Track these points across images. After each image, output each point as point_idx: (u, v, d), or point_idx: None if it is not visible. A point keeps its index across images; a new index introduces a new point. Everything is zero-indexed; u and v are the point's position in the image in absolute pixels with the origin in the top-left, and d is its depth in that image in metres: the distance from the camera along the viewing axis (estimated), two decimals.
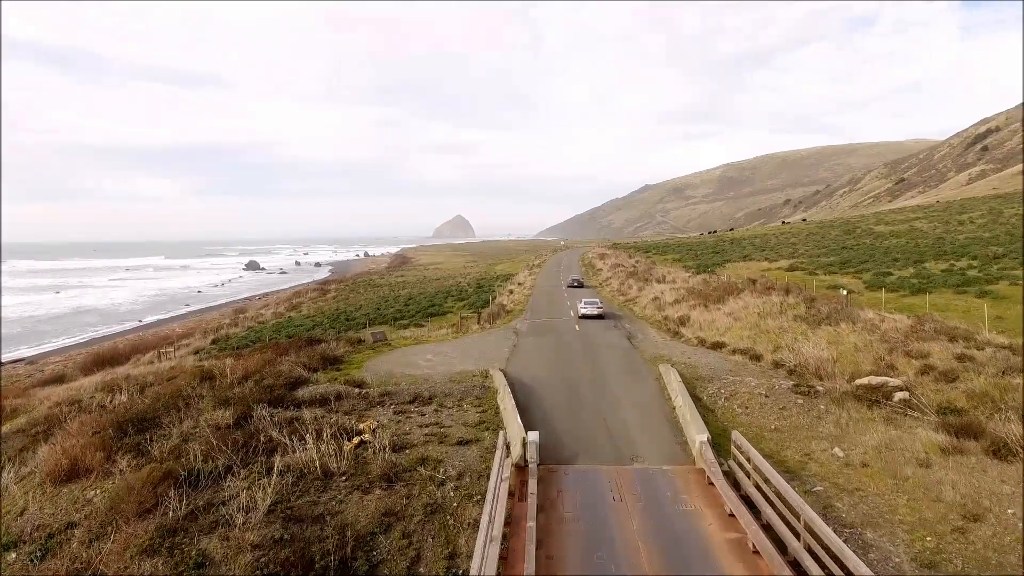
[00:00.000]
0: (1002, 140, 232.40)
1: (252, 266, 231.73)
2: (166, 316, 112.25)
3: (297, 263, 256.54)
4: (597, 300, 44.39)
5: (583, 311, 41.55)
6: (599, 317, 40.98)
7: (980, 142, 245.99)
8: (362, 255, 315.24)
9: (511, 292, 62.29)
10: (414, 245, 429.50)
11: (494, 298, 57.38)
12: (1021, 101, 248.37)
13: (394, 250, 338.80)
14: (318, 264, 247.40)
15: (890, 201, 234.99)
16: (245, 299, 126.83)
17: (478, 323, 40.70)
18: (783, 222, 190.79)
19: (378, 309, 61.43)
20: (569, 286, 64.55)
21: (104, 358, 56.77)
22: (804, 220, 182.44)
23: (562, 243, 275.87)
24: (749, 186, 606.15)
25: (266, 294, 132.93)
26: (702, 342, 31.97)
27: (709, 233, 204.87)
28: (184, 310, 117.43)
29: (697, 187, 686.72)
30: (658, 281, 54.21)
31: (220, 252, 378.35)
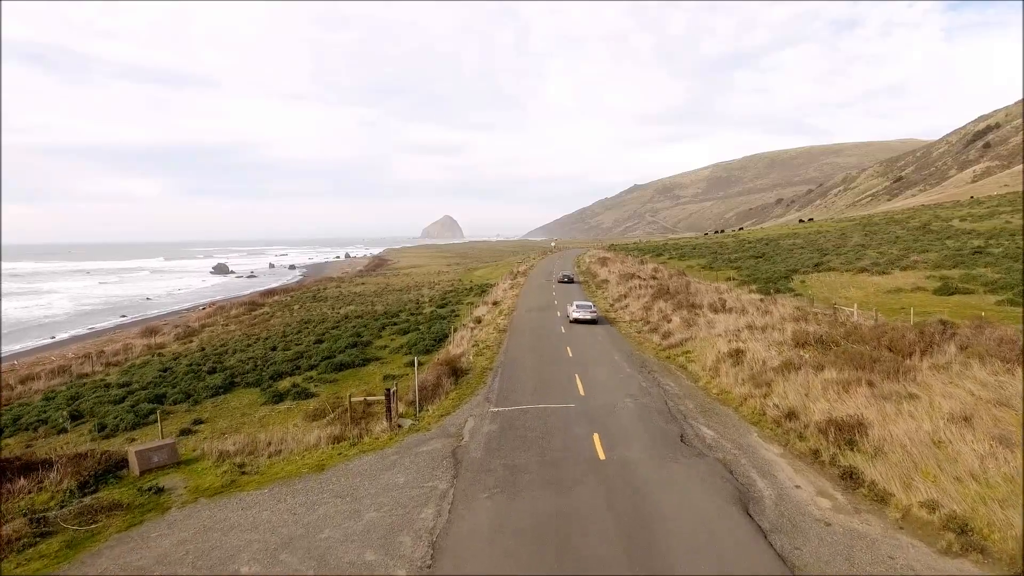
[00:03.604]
0: (1005, 137, 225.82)
1: (220, 270, 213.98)
2: (83, 331, 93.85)
3: (271, 265, 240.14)
4: (590, 303, 40.45)
5: (574, 315, 38.58)
6: (592, 322, 38.21)
7: (980, 139, 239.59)
8: (343, 257, 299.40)
9: (479, 322, 40.89)
10: (398, 247, 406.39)
11: (440, 338, 36.06)
12: (1021, 98, 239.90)
13: (377, 251, 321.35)
14: (292, 267, 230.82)
15: (889, 200, 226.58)
16: (185, 309, 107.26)
17: (389, 419, 19.36)
18: (800, 220, 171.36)
19: (273, 350, 39.98)
20: (560, 281, 65.28)
21: None
22: (811, 220, 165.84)
23: (552, 244, 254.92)
24: (738, 186, 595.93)
25: (210, 303, 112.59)
26: (964, 536, 11.05)
27: (716, 232, 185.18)
28: (111, 322, 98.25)
29: (686, 187, 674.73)
30: (714, 309, 33.11)
31: (210, 254, 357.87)
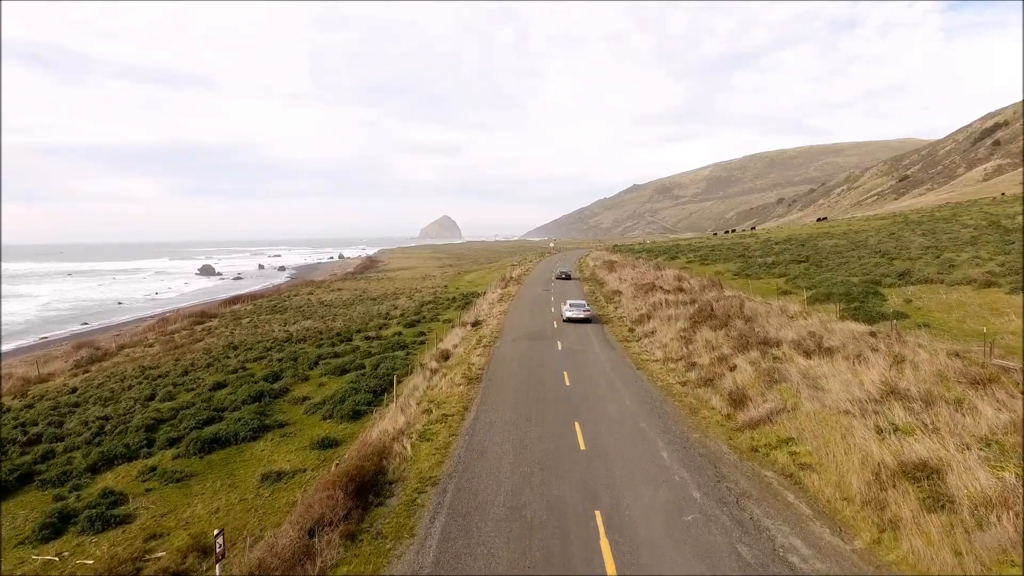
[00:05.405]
0: (1015, 134, 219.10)
1: (206, 271, 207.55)
2: (32, 342, 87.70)
3: (261, 267, 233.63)
4: (584, 302, 39.23)
5: (567, 314, 37.50)
6: (586, 321, 37.06)
7: (988, 137, 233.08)
8: (336, 257, 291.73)
9: (444, 359, 28.48)
10: (395, 247, 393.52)
11: (387, 386, 23.86)
12: (1022, 98, 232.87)
13: (372, 252, 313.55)
14: (282, 268, 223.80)
15: (895, 199, 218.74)
16: (150, 316, 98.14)
17: None
18: (818, 219, 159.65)
19: (149, 399, 27.80)
20: (558, 278, 65.69)
21: None
22: (824, 219, 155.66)
23: (552, 244, 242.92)
24: (738, 185, 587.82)
25: (177, 309, 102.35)
26: None
27: (726, 232, 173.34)
28: (69, 331, 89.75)
29: (686, 187, 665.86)
30: (804, 351, 20.95)
31: (211, 255, 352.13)
